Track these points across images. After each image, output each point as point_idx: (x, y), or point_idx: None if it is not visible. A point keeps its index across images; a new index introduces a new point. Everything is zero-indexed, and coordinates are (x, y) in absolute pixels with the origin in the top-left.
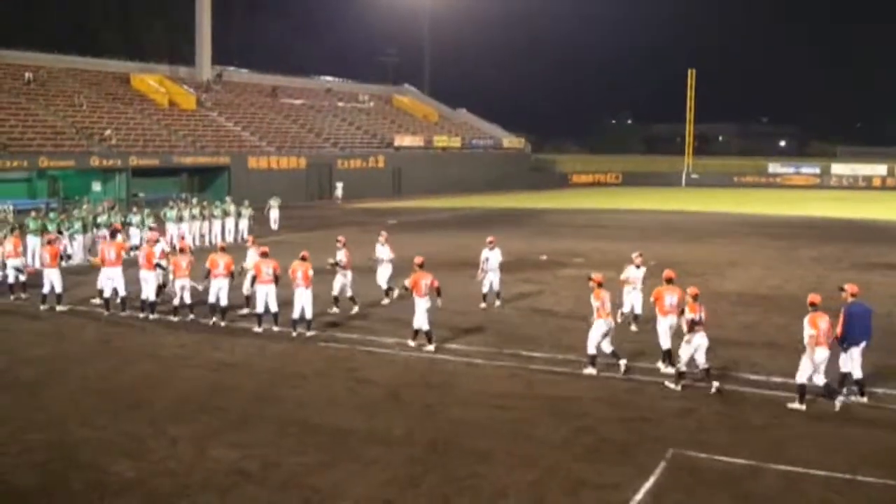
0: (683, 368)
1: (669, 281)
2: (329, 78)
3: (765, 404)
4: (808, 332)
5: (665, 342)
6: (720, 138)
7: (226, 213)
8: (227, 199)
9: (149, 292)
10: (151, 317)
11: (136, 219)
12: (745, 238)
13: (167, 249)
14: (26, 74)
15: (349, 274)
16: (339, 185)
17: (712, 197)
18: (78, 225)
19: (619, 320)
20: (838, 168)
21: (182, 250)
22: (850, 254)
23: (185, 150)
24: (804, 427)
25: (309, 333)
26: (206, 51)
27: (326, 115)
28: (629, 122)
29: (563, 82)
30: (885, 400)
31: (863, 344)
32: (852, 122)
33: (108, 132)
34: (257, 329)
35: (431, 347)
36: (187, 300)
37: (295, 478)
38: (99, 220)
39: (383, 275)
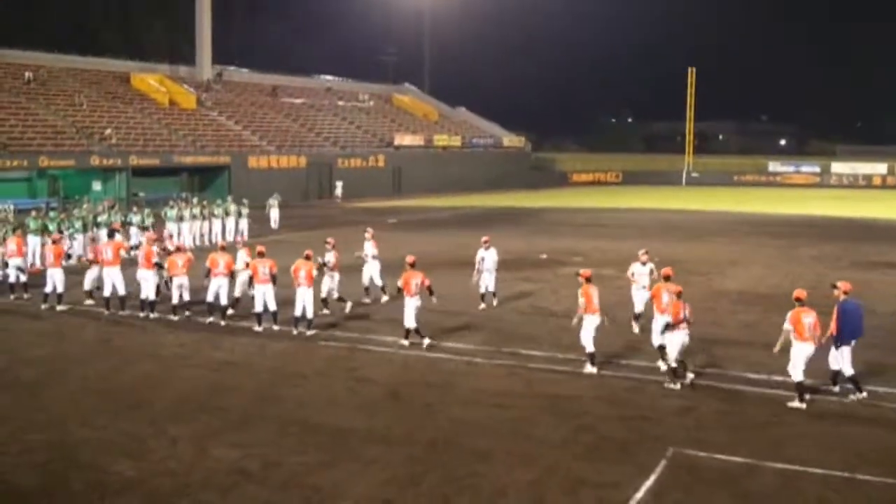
0: (674, 364)
1: (667, 278)
2: (329, 77)
3: (764, 403)
4: (785, 326)
5: (659, 339)
6: (720, 137)
7: (226, 213)
8: (228, 198)
9: (148, 291)
10: (151, 316)
11: (136, 218)
12: (746, 237)
13: (158, 250)
14: (26, 74)
15: (336, 276)
16: (339, 185)
17: (712, 196)
18: (78, 224)
19: (633, 323)
20: (838, 167)
21: (179, 249)
22: (851, 252)
23: (185, 150)
24: (804, 425)
25: (309, 333)
26: (207, 50)
27: (326, 114)
28: (629, 120)
29: (564, 81)
30: (885, 398)
31: (853, 341)
32: (851, 120)
33: (108, 132)
34: (257, 328)
35: (427, 340)
36: (186, 298)
37: (295, 477)
38: (99, 219)
39: (371, 272)
